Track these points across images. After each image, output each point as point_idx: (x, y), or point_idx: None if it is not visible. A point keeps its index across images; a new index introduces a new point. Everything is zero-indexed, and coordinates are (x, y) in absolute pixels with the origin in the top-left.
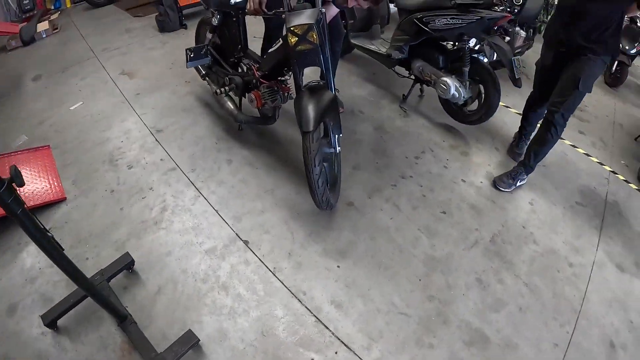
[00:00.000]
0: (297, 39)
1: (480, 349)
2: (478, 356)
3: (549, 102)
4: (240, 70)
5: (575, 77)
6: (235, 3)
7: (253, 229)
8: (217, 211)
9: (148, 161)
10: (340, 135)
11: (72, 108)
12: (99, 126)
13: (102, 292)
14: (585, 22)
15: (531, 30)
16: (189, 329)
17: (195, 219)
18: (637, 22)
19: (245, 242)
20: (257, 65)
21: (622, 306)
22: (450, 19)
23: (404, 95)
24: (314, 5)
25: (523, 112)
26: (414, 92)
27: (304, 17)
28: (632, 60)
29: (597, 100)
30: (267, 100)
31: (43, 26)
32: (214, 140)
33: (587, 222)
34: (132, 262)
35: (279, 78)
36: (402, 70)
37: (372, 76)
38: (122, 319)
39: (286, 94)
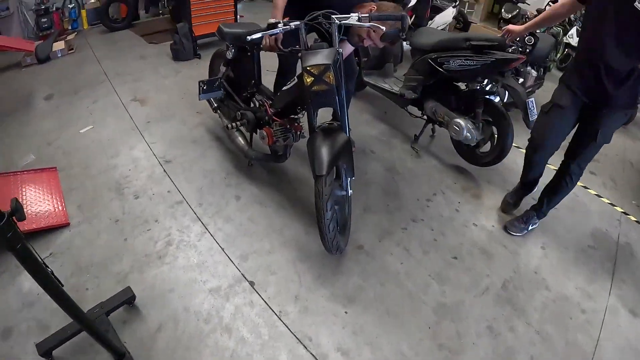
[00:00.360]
0: (312, 79)
1: None
2: None
3: (565, 152)
4: (252, 105)
5: (594, 129)
6: (251, 39)
7: (259, 269)
8: (223, 249)
9: (155, 192)
10: (353, 178)
11: (82, 131)
12: (108, 152)
13: (100, 329)
14: (604, 74)
15: (542, 69)
16: None
17: (200, 256)
18: None
19: (251, 283)
20: (270, 102)
21: (635, 353)
22: (465, 60)
23: (415, 135)
24: (330, 45)
25: (525, 166)
26: (425, 132)
27: (321, 57)
28: None
29: None
30: (278, 138)
31: (59, 45)
32: (223, 174)
33: (599, 265)
34: (133, 297)
35: (292, 116)
36: (414, 110)
37: (383, 115)
38: (120, 356)
39: (298, 133)
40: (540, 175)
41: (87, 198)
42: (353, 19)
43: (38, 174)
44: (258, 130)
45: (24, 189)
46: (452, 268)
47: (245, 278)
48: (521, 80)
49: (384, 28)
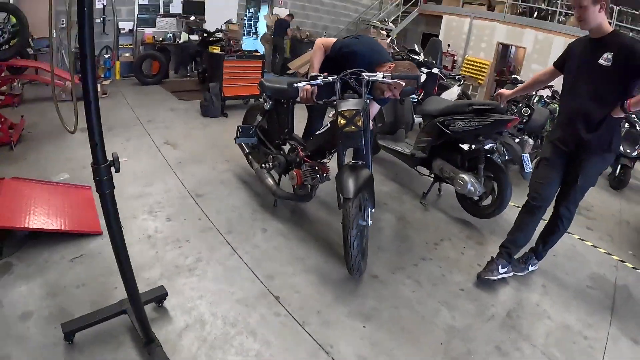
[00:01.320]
0: (345, 121)
1: None
2: None
3: (555, 199)
4: (282, 152)
5: (575, 173)
6: (297, 86)
7: (284, 288)
8: (250, 269)
9: (186, 218)
10: (373, 210)
11: None
12: (141, 182)
13: (141, 306)
14: (580, 120)
15: (539, 139)
16: None
17: (229, 273)
18: (636, 126)
19: (277, 298)
20: (302, 147)
21: None
22: (468, 121)
23: (424, 192)
24: (360, 96)
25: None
26: (433, 191)
27: (353, 104)
28: (634, 163)
29: (602, 202)
30: (307, 178)
31: None
32: (250, 210)
33: (598, 302)
34: (166, 294)
35: (320, 160)
36: (423, 170)
37: (395, 176)
38: (149, 342)
39: (325, 175)
40: (526, 242)
41: (120, 216)
42: (379, 76)
43: (73, 188)
44: (288, 172)
45: (59, 197)
46: (459, 298)
47: (271, 293)
48: (517, 140)
49: (403, 83)
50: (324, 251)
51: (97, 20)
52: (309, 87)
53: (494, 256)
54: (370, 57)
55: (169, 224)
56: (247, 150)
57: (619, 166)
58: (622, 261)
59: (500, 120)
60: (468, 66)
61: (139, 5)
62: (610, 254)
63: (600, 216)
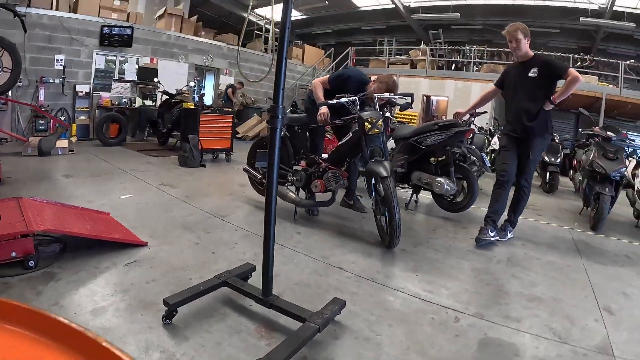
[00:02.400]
0: (370, 125)
1: (538, 303)
2: (540, 305)
3: (516, 175)
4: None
5: (527, 152)
6: (338, 102)
7: (341, 262)
8: (305, 254)
9: (223, 230)
10: None
11: (122, 197)
12: (159, 209)
13: (272, 263)
14: (524, 114)
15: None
16: (335, 296)
17: (289, 259)
18: (555, 140)
19: (340, 268)
20: (322, 160)
21: (619, 277)
22: (437, 136)
23: (406, 203)
24: (375, 109)
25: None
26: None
27: (374, 113)
28: (559, 169)
29: (541, 201)
30: (331, 183)
31: (62, 144)
32: (277, 221)
33: (567, 249)
34: (254, 268)
35: (340, 167)
36: (402, 186)
37: None
38: (268, 295)
39: (344, 179)
40: (503, 210)
41: (157, 231)
42: (386, 95)
43: (93, 211)
44: (309, 184)
45: (84, 215)
46: (470, 254)
47: (333, 266)
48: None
49: (407, 98)
50: (356, 240)
51: (57, 81)
52: (325, 110)
53: (482, 225)
54: (361, 79)
55: (210, 235)
56: (260, 175)
57: (548, 173)
58: (572, 228)
59: (461, 131)
60: (399, 117)
61: (95, 69)
62: (562, 226)
63: (543, 208)
